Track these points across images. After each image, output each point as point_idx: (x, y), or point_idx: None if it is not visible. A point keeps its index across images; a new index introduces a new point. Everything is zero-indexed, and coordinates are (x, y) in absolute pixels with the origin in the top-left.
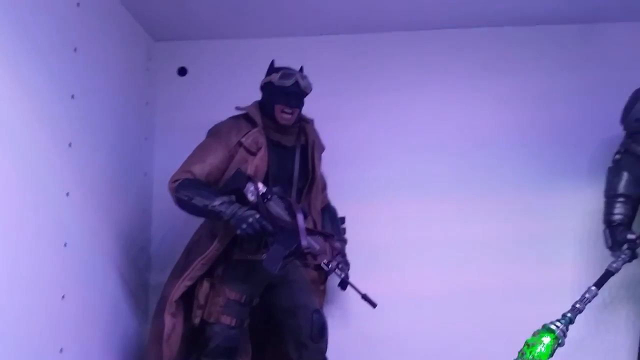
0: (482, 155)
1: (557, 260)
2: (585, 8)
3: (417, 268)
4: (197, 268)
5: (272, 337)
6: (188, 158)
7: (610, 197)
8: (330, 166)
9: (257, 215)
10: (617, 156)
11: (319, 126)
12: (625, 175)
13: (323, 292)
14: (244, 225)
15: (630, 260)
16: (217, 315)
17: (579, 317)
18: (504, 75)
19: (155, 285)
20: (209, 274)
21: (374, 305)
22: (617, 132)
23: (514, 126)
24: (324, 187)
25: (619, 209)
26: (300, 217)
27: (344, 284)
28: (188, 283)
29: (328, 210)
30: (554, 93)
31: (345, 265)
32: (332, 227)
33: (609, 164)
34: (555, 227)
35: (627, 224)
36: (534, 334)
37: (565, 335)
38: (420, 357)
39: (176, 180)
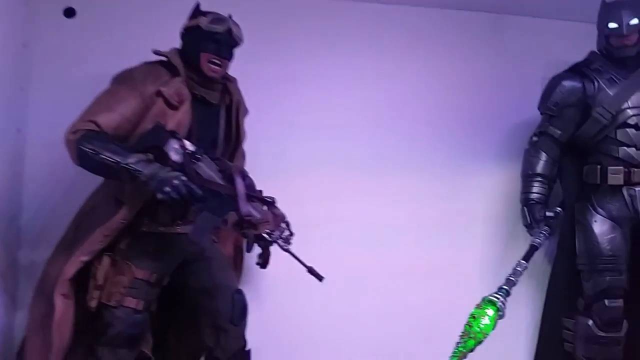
0: (399, 135)
1: (468, 240)
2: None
3: (332, 247)
4: (97, 240)
5: (177, 322)
6: (91, 105)
7: (528, 177)
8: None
9: (184, 177)
10: (535, 138)
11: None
12: (542, 156)
13: (239, 271)
14: (167, 189)
15: (549, 236)
16: (119, 297)
17: (474, 298)
18: (423, 55)
19: (27, 265)
20: (109, 248)
21: (320, 278)
22: (525, 117)
23: (432, 107)
24: (242, 156)
25: (536, 188)
26: (239, 181)
27: (293, 256)
28: (85, 258)
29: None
30: (470, 77)
31: (290, 235)
32: None
33: (520, 147)
34: (468, 208)
35: (544, 202)
36: (477, 306)
37: (504, 307)
38: (335, 339)
39: (77, 131)
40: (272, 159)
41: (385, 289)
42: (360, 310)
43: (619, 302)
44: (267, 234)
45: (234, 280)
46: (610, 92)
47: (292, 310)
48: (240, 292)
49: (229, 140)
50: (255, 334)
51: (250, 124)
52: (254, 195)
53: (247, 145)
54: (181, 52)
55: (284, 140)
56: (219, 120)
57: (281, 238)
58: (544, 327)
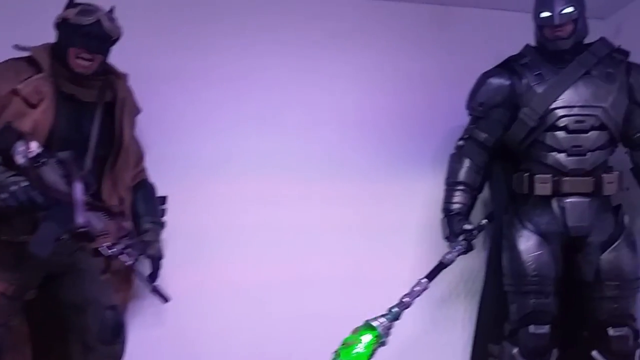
0: (325, 137)
1: (400, 249)
2: None
3: (250, 255)
4: None
5: (46, 338)
6: None
7: (450, 185)
8: (151, 136)
9: (25, 183)
10: (460, 142)
11: (141, 86)
12: (466, 163)
13: (128, 285)
14: (4, 195)
15: (465, 252)
16: None
17: (413, 313)
18: (354, 51)
19: None
20: None
21: (165, 299)
22: (467, 120)
23: (362, 107)
24: (139, 160)
25: (458, 198)
26: (78, 187)
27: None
28: None
29: (144, 188)
30: (405, 75)
31: (136, 249)
32: (146, 207)
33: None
34: (399, 215)
35: (465, 213)
36: (354, 331)
37: (388, 333)
38: (248, 354)
39: None
40: (185, 161)
41: (309, 301)
42: (273, 322)
43: (545, 329)
44: (105, 248)
45: (109, 294)
46: (539, 90)
47: (196, 326)
48: (113, 308)
49: (108, 141)
50: (157, 351)
51: (157, 124)
52: (97, 205)
53: (155, 147)
54: (54, 47)
55: (199, 142)
56: (93, 119)
57: (124, 253)
58: (474, 353)
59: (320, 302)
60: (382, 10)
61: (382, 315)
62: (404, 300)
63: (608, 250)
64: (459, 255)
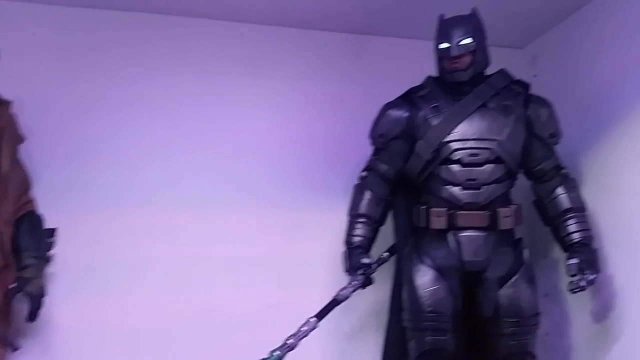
0: (232, 167)
1: (310, 280)
2: (356, 19)
3: (151, 291)
4: None
5: None
6: None
7: (352, 217)
8: (42, 164)
9: None
10: (363, 173)
11: (32, 113)
12: (367, 195)
13: (8, 321)
14: None
15: (363, 287)
16: None
17: (322, 348)
18: (265, 79)
19: None
20: None
21: (14, 348)
22: None
23: (273, 136)
24: (24, 190)
25: (359, 230)
26: None
27: None
28: None
29: (29, 219)
30: (317, 104)
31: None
32: (29, 240)
33: None
34: (309, 246)
35: (366, 246)
36: None
37: None
38: None
39: None
40: (79, 192)
41: (212, 337)
42: None
43: None
44: None
45: None
46: (434, 123)
47: None
48: None
49: None
50: None
51: (49, 152)
52: None
53: (46, 176)
54: None
55: (95, 171)
56: None
57: None
58: None
59: (227, 338)
60: (294, 38)
61: (264, 359)
62: (288, 342)
63: (506, 286)
64: (354, 290)
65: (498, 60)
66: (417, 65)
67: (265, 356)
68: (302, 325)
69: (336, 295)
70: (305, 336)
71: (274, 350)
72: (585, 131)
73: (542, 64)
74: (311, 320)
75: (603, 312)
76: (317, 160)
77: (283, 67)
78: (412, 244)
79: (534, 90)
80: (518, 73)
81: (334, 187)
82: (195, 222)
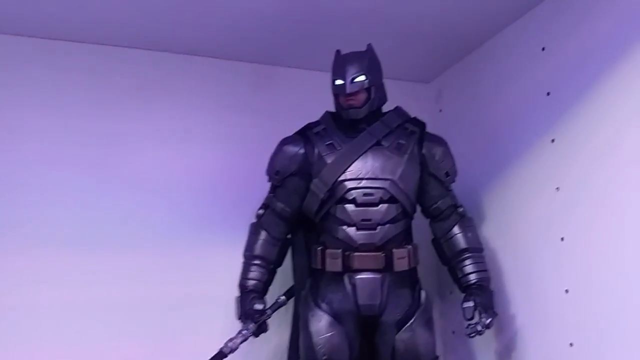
0: (123, 199)
1: (207, 328)
2: (260, 48)
3: (22, 342)
4: None
5: None
6: None
7: (247, 259)
8: None
9: None
10: (260, 211)
11: None
12: (263, 234)
13: None
14: None
15: (255, 335)
16: None
17: None
18: (167, 107)
19: None
20: None
21: None
22: None
23: (171, 168)
24: None
25: (253, 273)
26: None
27: None
28: None
29: None
30: (223, 135)
31: None
32: None
33: None
34: (208, 289)
35: (261, 290)
36: None
37: None
38: None
39: None
40: None
41: None
42: None
43: None
44: None
45: None
46: (328, 161)
47: None
48: None
49: None
50: None
51: None
52: None
53: None
54: None
55: None
56: None
57: None
58: None
59: None
60: (195, 65)
61: None
62: None
63: (403, 330)
64: (244, 340)
65: (405, 95)
66: (324, 96)
67: None
68: None
69: (223, 347)
70: None
71: None
72: (488, 167)
73: (447, 99)
74: None
75: (506, 351)
76: (218, 195)
77: (182, 96)
78: (309, 287)
79: (440, 125)
80: (424, 108)
81: (235, 224)
82: (77, 264)
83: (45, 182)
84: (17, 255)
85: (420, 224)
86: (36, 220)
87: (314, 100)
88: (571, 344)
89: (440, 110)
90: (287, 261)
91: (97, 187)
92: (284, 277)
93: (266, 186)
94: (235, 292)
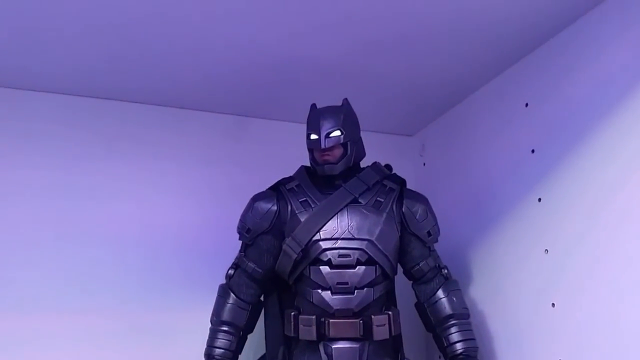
0: (82, 256)
1: None
2: (234, 99)
3: None
4: None
5: None
6: None
7: (214, 324)
8: None
9: None
10: (230, 271)
11: None
12: (232, 298)
13: None
14: None
15: None
16: None
17: None
18: (130, 159)
19: None
20: None
21: None
22: None
23: (132, 222)
24: None
25: (220, 341)
26: None
27: None
28: None
29: None
30: (196, 187)
31: None
32: None
33: None
34: (174, 354)
35: (229, 359)
36: None
37: None
38: None
39: None
40: None
41: None
42: None
43: None
44: None
45: None
46: (302, 219)
47: None
48: None
49: None
50: None
51: None
52: None
53: None
54: None
55: None
56: None
57: None
58: None
59: None
60: (167, 116)
61: None
62: None
63: None
64: None
65: (388, 148)
66: (300, 148)
67: None
68: None
69: None
70: None
71: None
72: (473, 225)
73: (430, 153)
74: None
75: None
76: (189, 252)
77: (151, 147)
78: (282, 355)
79: (424, 178)
80: (408, 161)
81: (206, 284)
82: (29, 327)
83: (13, 235)
84: None
85: (405, 286)
86: None
87: (289, 151)
88: None
89: (424, 164)
90: (260, 326)
91: (55, 243)
92: (256, 343)
93: (238, 242)
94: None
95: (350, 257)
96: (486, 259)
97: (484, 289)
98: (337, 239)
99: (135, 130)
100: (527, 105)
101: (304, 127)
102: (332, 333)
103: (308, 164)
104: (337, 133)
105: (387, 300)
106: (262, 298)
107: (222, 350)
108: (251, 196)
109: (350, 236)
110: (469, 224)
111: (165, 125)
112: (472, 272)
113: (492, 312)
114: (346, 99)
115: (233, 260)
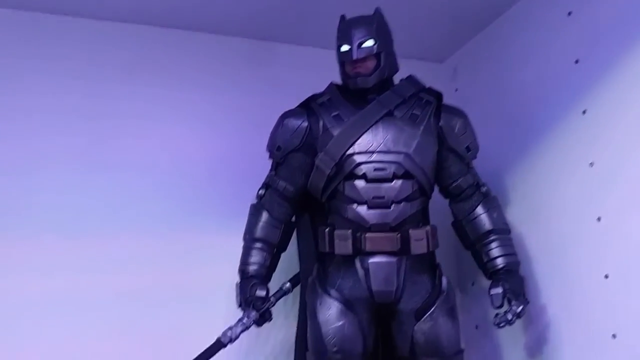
0: (112, 182)
1: (205, 320)
2: (258, 24)
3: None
4: None
5: None
6: None
7: (247, 242)
8: None
9: None
10: (261, 191)
11: None
12: (264, 216)
13: None
14: None
15: (258, 325)
16: None
17: None
18: (156, 86)
19: None
20: None
21: None
22: None
23: (163, 149)
24: None
25: (255, 257)
26: None
27: None
28: None
29: None
30: (218, 114)
31: None
32: None
33: None
34: (205, 277)
35: (262, 276)
36: None
37: None
38: None
39: None
40: None
41: None
42: None
43: None
44: None
45: None
46: (334, 134)
47: None
48: None
49: None
50: None
51: None
52: None
53: None
54: None
55: None
56: None
57: None
58: None
59: None
60: (188, 41)
61: None
62: None
63: (422, 320)
64: (245, 329)
65: (419, 75)
66: (322, 74)
67: None
68: None
69: (221, 336)
70: None
71: None
72: (510, 146)
73: (463, 77)
74: None
75: (537, 346)
76: (215, 177)
77: (177, 74)
78: (317, 272)
79: (457, 104)
80: (439, 87)
81: (232, 208)
82: (63, 251)
83: (31, 166)
84: (4, 244)
85: (436, 207)
86: (21, 206)
87: (314, 78)
88: (614, 335)
89: (456, 90)
90: (293, 247)
91: (86, 168)
92: (289, 264)
93: (267, 166)
94: (236, 279)
95: (386, 170)
96: (527, 178)
97: (525, 208)
98: (372, 152)
99: (162, 57)
100: (569, 14)
101: (329, 52)
102: (368, 247)
103: (337, 82)
104: (370, 43)
105: (423, 217)
106: (293, 219)
107: (256, 266)
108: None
109: (386, 149)
110: (506, 145)
111: (191, 51)
112: (510, 193)
113: (534, 231)
114: (378, 8)
115: (263, 180)
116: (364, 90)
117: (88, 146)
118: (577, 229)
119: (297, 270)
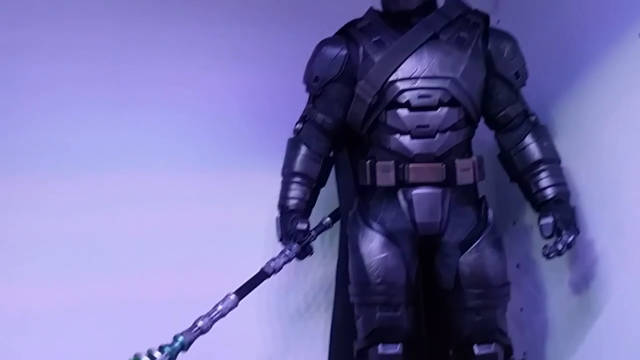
0: (144, 121)
1: (244, 256)
2: None
3: (39, 275)
4: None
5: None
6: None
7: (286, 177)
8: None
9: None
10: (298, 125)
11: None
12: (303, 150)
13: None
14: None
15: (299, 258)
16: None
17: (262, 331)
18: (186, 19)
19: None
20: None
21: None
22: None
23: (194, 85)
24: None
25: (294, 192)
26: None
27: None
28: None
29: None
30: (250, 49)
31: None
32: None
33: None
34: (243, 214)
35: (303, 210)
36: None
37: None
38: None
39: None
40: None
41: (128, 328)
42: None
43: (397, 349)
44: None
45: None
46: (376, 60)
47: None
48: None
49: None
50: None
51: None
52: None
53: None
54: None
55: None
56: None
57: None
58: None
59: (142, 322)
60: None
61: (161, 348)
62: (198, 324)
63: (468, 251)
64: (288, 261)
65: None
66: (361, 1)
67: (165, 344)
68: (218, 304)
69: (264, 267)
70: (222, 316)
71: (175, 337)
72: (556, 81)
73: (506, 8)
74: (230, 297)
75: (583, 282)
76: (246, 113)
77: (207, 8)
78: (357, 205)
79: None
80: None
81: (268, 145)
82: (98, 187)
83: (51, 101)
84: (22, 183)
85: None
86: (41, 144)
87: (352, 7)
88: None
89: (498, 21)
90: (331, 184)
91: (120, 107)
92: (326, 202)
93: (300, 100)
94: (273, 218)
95: (431, 97)
96: (575, 110)
97: (574, 143)
98: (416, 78)
99: None
100: None
101: None
102: (412, 178)
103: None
104: None
105: (468, 148)
106: (331, 154)
107: (296, 200)
108: (312, 49)
109: (431, 74)
110: (553, 76)
111: None
112: (559, 127)
113: (584, 166)
114: None
115: (301, 114)
116: (407, 12)
117: (123, 85)
118: (634, 163)
119: (334, 208)
